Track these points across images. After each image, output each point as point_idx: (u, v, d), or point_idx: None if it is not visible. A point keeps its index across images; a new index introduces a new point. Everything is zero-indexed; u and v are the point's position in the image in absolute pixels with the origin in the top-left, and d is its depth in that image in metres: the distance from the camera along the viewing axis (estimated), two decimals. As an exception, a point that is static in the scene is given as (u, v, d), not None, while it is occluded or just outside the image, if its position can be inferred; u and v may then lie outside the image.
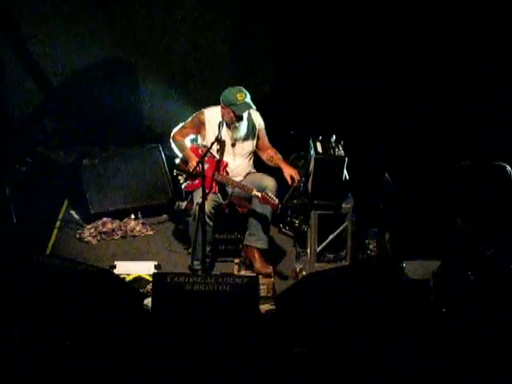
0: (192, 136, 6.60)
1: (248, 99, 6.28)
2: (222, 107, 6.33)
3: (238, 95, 6.25)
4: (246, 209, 6.46)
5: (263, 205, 6.25)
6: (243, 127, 6.38)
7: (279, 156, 6.48)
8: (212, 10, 8.03)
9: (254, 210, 6.36)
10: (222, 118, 6.34)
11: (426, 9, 7.58)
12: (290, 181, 6.29)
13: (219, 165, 6.41)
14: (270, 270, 6.34)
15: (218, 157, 6.42)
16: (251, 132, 6.46)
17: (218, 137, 6.18)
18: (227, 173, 6.45)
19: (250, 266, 6.41)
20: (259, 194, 6.17)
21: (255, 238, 6.41)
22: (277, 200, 6.16)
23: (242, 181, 6.46)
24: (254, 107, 6.35)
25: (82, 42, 7.96)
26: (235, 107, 6.26)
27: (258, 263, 6.36)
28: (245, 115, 6.32)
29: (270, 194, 6.15)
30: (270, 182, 6.34)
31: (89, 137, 8.14)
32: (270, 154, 6.50)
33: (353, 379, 4.97)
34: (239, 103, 6.26)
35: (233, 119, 6.31)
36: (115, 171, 7.35)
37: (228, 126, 6.37)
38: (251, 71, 8.11)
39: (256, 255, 6.40)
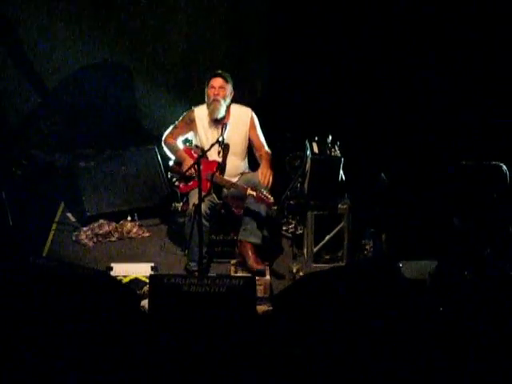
0: (184, 136, 6.61)
1: (224, 74, 6.41)
2: None
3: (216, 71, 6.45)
4: (242, 210, 6.45)
5: (258, 203, 6.24)
6: (231, 127, 6.37)
7: (267, 157, 6.49)
8: (207, 13, 8.03)
9: (249, 208, 6.32)
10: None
11: (423, 10, 7.58)
12: (260, 178, 6.29)
13: (212, 165, 6.41)
14: (263, 266, 6.24)
15: (210, 158, 6.41)
16: (241, 132, 6.45)
17: (218, 139, 6.21)
18: (221, 173, 6.45)
19: (244, 263, 6.31)
20: (254, 193, 6.14)
21: (249, 233, 6.32)
22: (271, 198, 6.14)
23: (237, 181, 6.45)
24: (224, 79, 6.41)
25: (78, 44, 7.96)
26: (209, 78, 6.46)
27: (251, 259, 6.24)
28: (223, 111, 6.37)
29: (264, 193, 6.13)
30: (264, 182, 6.33)
31: (85, 139, 8.12)
32: (260, 153, 6.51)
33: (350, 379, 4.97)
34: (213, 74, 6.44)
35: (210, 96, 6.40)
36: (111, 173, 7.34)
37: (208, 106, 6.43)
38: (247, 72, 8.11)
39: (249, 251, 6.28)
